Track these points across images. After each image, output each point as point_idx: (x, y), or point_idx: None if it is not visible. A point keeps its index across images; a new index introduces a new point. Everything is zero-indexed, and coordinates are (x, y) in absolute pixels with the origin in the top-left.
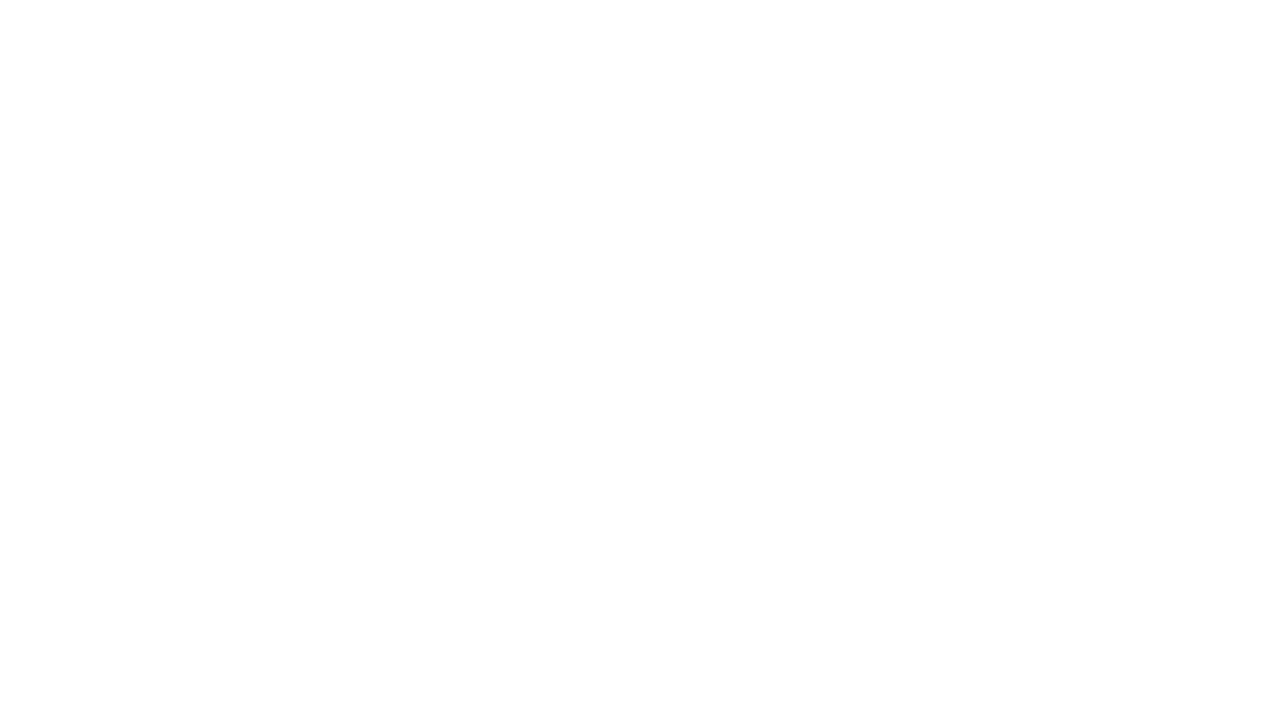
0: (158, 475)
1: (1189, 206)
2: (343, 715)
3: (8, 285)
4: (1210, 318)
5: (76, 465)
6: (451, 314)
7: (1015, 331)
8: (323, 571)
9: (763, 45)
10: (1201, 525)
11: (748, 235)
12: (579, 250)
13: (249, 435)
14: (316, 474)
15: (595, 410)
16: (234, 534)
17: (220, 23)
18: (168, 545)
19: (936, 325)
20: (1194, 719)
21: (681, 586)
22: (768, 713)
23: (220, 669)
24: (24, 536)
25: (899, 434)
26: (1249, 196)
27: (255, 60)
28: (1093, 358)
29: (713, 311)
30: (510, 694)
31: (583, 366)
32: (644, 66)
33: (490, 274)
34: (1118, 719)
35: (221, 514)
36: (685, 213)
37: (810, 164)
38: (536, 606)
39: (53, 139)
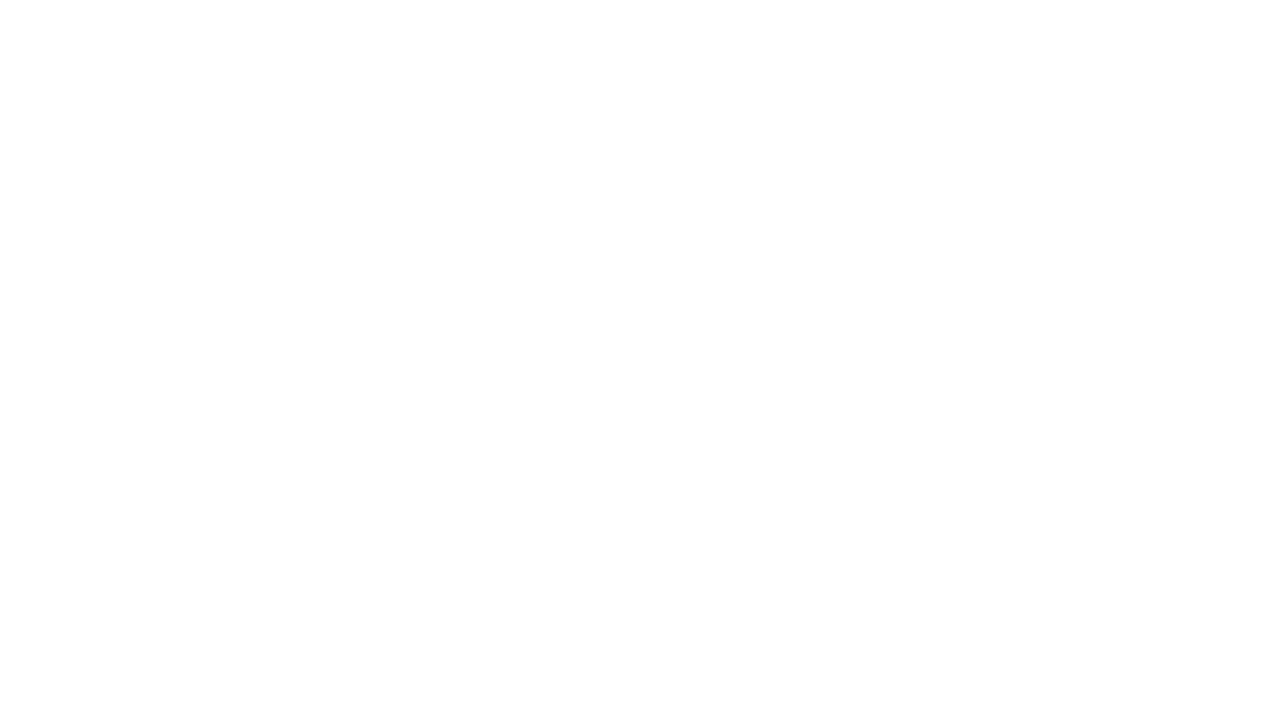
0: (158, 475)
1: (1189, 207)
2: (343, 715)
3: (8, 285)
4: (1210, 318)
5: (76, 465)
6: (451, 314)
7: (1015, 331)
8: (322, 572)
9: (763, 45)
10: (1201, 525)
11: (748, 235)
12: (579, 250)
13: (249, 435)
14: (316, 474)
15: (595, 410)
16: (234, 534)
17: (220, 23)
18: (168, 545)
19: (936, 325)
20: (1194, 718)
21: (681, 587)
22: (766, 713)
23: (220, 669)
24: (24, 536)
25: (899, 434)
26: (1249, 197)
27: (255, 60)
28: (1093, 358)
29: (713, 312)
30: (510, 694)
31: (583, 366)
32: (644, 66)
33: (490, 274)
34: (1117, 718)
35: (221, 514)
36: (685, 213)
37: (810, 164)
38: (536, 607)
39: (53, 139)
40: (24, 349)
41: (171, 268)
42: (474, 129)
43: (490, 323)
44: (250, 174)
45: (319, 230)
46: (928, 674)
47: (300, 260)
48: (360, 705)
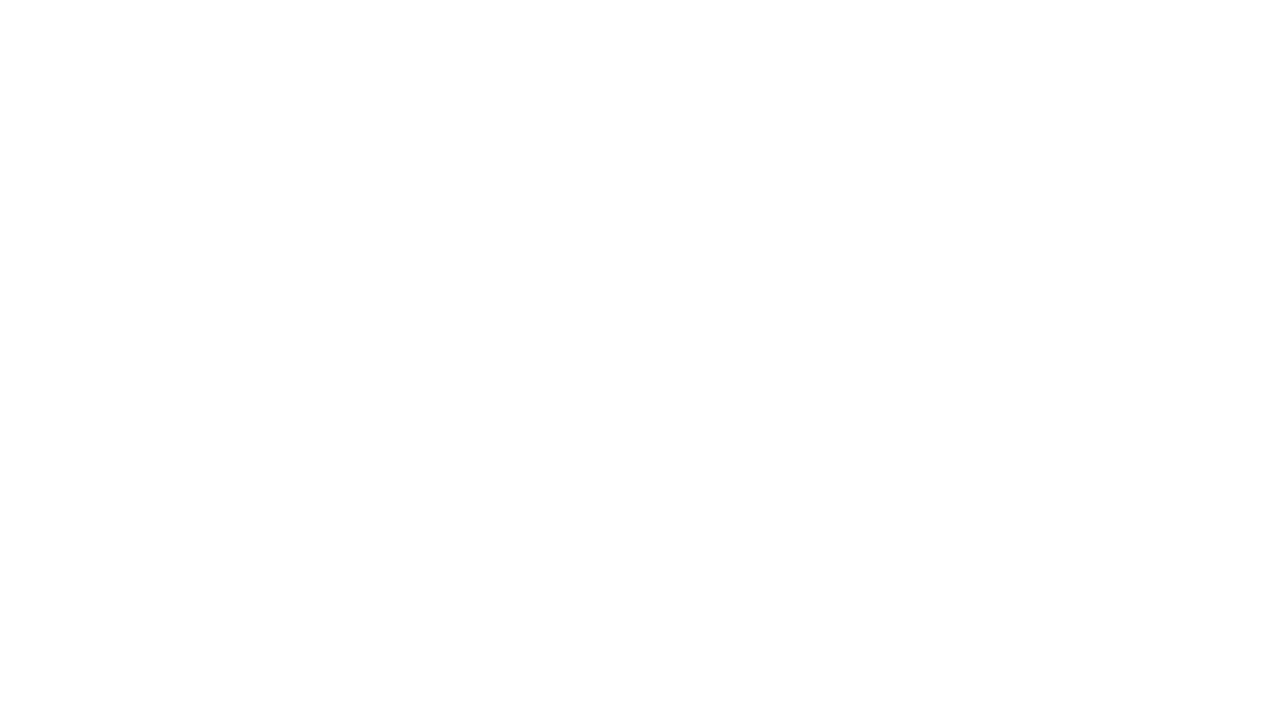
0: (158, 475)
1: (1189, 207)
2: (342, 715)
3: (8, 285)
4: (1210, 318)
5: (76, 465)
6: (451, 314)
7: (1015, 332)
8: (322, 572)
9: (763, 45)
10: (1202, 525)
11: (748, 235)
12: (579, 250)
13: (249, 435)
14: (317, 474)
15: (595, 410)
16: (234, 534)
17: (220, 23)
18: (168, 545)
19: (936, 325)
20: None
21: (681, 587)
22: (766, 713)
23: (220, 669)
24: (24, 536)
25: (899, 434)
26: (1249, 197)
27: (255, 60)
28: (1093, 358)
29: (713, 312)
30: (510, 694)
31: (582, 366)
32: (644, 66)
33: (490, 274)
34: (1117, 718)
35: (221, 514)
36: (685, 213)
37: (810, 164)
38: (536, 607)
39: (53, 139)
40: (24, 349)
41: (171, 267)
42: (474, 129)
43: (490, 322)
44: (250, 174)
45: (319, 230)
46: (926, 673)
47: (300, 260)
48: (359, 705)
